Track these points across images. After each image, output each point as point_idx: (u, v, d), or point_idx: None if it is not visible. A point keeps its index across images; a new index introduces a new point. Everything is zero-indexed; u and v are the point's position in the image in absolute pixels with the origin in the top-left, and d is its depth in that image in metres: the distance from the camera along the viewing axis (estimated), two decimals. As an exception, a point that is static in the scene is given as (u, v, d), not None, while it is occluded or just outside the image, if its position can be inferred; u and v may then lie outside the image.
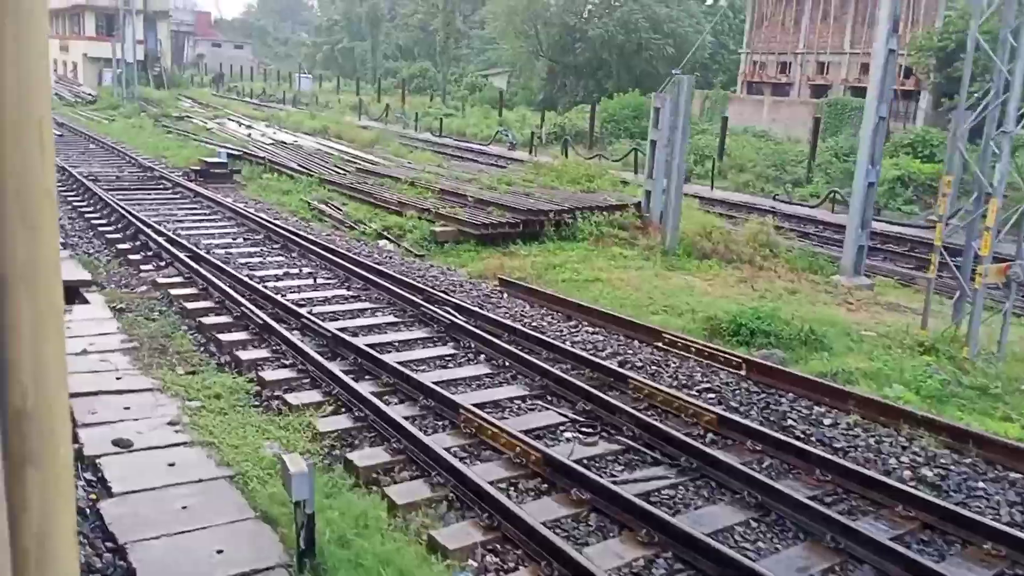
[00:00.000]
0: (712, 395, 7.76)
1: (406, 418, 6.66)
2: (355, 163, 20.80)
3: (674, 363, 8.47)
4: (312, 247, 12.48)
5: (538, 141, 29.83)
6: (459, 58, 63.78)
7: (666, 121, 15.22)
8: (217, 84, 61.55)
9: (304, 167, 19.62)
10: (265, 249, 12.75)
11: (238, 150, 21.61)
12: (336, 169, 19.63)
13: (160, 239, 12.25)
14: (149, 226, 13.12)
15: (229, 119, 31.48)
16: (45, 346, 0.56)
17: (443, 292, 10.55)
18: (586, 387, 7.39)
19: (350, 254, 12.41)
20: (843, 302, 11.49)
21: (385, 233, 14.47)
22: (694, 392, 7.78)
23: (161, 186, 17.89)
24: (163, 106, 37.27)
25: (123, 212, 14.17)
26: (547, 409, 7.24)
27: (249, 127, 28.60)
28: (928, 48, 30.16)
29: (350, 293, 10.60)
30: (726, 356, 8.36)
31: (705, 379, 8.09)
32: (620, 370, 7.94)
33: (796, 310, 10.26)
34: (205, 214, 15.40)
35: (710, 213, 17.07)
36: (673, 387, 7.81)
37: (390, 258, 12.92)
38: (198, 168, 18.83)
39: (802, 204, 20.97)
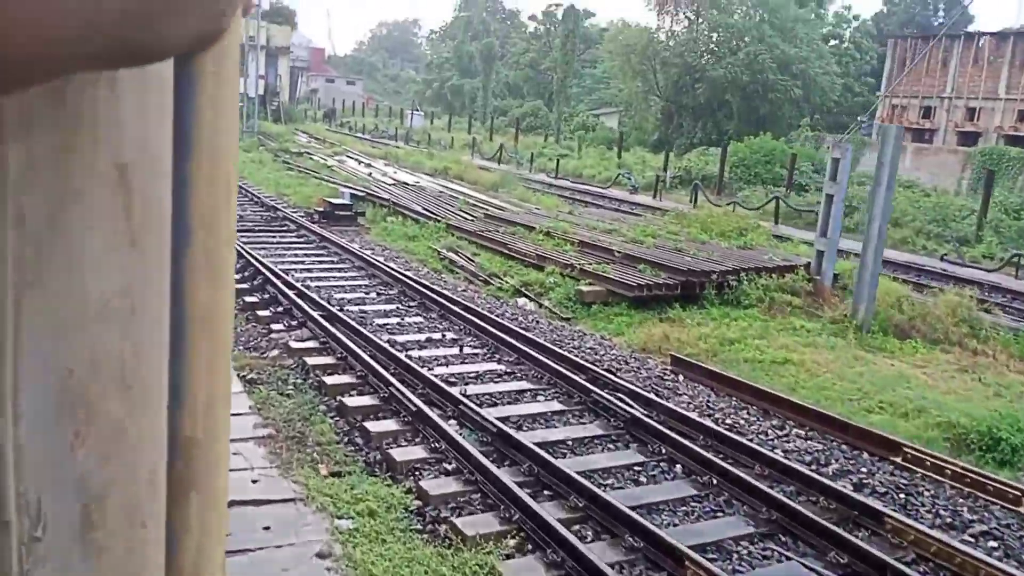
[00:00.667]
0: (993, 542, 5.98)
1: (613, 565, 5.17)
2: (481, 208, 19.70)
3: (927, 491, 6.70)
4: (451, 306, 11.25)
5: (662, 185, 28.20)
6: (570, 97, 63.03)
7: (845, 173, 13.46)
8: (329, 119, 62.55)
9: (429, 211, 18.62)
10: (401, 307, 11.58)
11: (360, 190, 20.85)
12: (462, 215, 18.55)
13: (290, 292, 11.25)
14: (278, 276, 12.18)
15: (348, 155, 31.15)
16: (217, 379, 0.60)
17: (607, 371, 9.08)
18: (830, 527, 5.74)
19: (492, 315, 11.13)
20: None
21: (524, 291, 13.15)
22: (966, 537, 6.01)
23: (285, 227, 17.17)
24: (280, 140, 37.53)
25: (249, 257, 13.33)
26: (787, 558, 5.61)
27: (368, 165, 28.07)
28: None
29: (503, 368, 9.23)
30: (997, 486, 6.54)
31: (976, 517, 6.31)
32: (867, 502, 6.24)
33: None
34: (333, 262, 14.45)
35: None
36: (936, 527, 6.07)
37: (536, 322, 11.55)
38: (322, 209, 18.06)
39: (976, 266, 18.60)
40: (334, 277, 13.24)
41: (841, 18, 60.12)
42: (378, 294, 12.27)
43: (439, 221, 17.68)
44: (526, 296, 12.97)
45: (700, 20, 47.59)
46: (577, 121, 53.46)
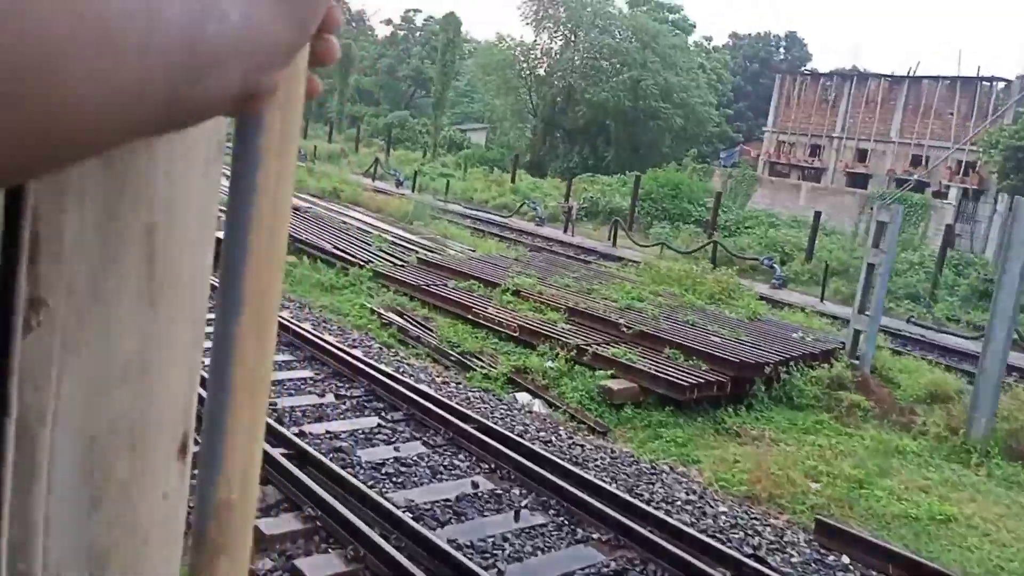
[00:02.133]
0: None
1: None
2: (404, 247, 16.14)
3: None
4: (454, 420, 7.81)
5: (573, 217, 25.60)
6: (426, 108, 59.74)
7: (893, 240, 11.30)
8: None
9: (345, 252, 14.85)
10: (385, 424, 7.90)
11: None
12: (388, 258, 14.92)
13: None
14: None
15: None
16: (254, 445, 0.60)
17: (754, 557, 6.07)
18: None
19: (513, 436, 7.81)
20: None
21: (523, 382, 9.88)
22: None
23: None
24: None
25: None
26: None
27: None
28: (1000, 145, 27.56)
29: (575, 540, 5.98)
30: None
31: None
32: None
33: None
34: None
35: (903, 354, 13.09)
36: None
37: (569, 438, 8.32)
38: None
39: (957, 334, 16.94)
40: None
41: (701, 48, 60.89)
42: (337, 396, 8.54)
43: (361, 266, 13.98)
44: (529, 392, 9.70)
45: (576, 40, 45.95)
46: (444, 135, 50.37)
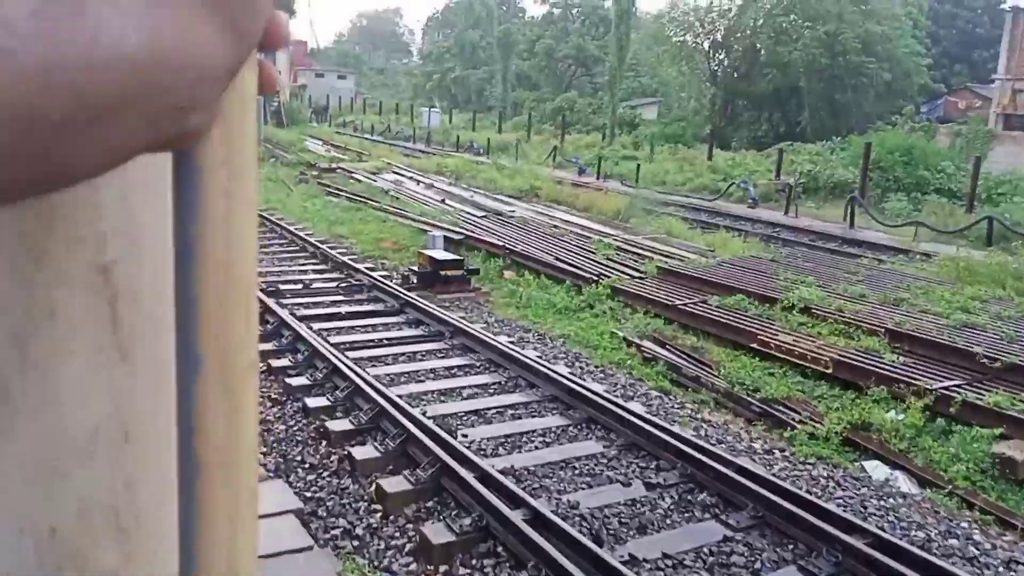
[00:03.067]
0: None
1: None
2: (633, 252, 13.92)
3: None
4: (815, 522, 5.47)
5: (793, 196, 22.37)
6: (597, 88, 57.09)
7: None
8: (319, 117, 56.44)
9: (571, 264, 12.80)
10: (735, 539, 5.68)
11: (454, 231, 14.93)
12: (622, 268, 12.73)
13: (468, 480, 5.43)
14: (396, 406, 6.39)
15: (393, 171, 25.03)
16: (241, 538, 0.49)
17: None
18: None
19: (918, 551, 5.35)
20: None
21: (870, 445, 7.36)
22: None
23: (374, 301, 11.27)
24: (294, 150, 31.44)
25: (337, 363, 7.63)
26: None
27: (429, 185, 22.05)
28: None
29: None
30: None
31: None
32: None
33: None
34: (476, 370, 8.61)
35: None
36: None
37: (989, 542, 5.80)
38: (422, 270, 12.17)
39: None
40: (499, 413, 7.44)
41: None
42: (648, 485, 6.37)
43: (594, 281, 11.86)
44: (881, 459, 7.19)
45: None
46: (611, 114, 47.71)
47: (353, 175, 23.64)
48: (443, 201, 18.88)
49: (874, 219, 19.37)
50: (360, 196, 19.61)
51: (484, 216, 16.83)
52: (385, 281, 11.78)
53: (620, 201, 18.75)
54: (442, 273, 12.00)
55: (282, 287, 11.34)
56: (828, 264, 13.19)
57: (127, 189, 0.48)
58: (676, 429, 7.16)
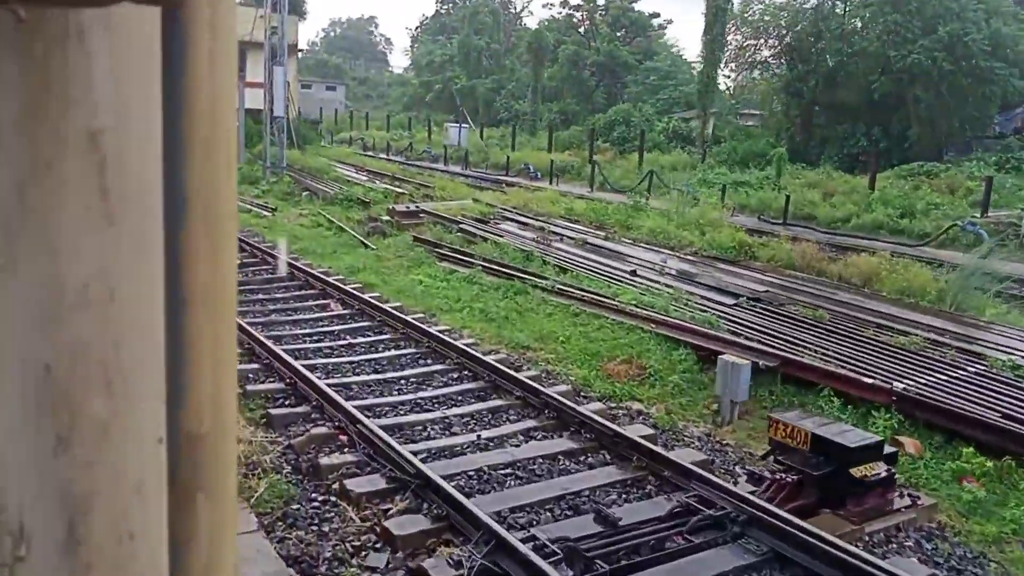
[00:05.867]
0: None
1: None
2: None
3: None
4: None
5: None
6: (626, 98, 51.26)
7: None
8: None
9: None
10: None
11: (761, 350, 8.70)
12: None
13: None
14: None
15: (504, 216, 18.50)
16: (223, 369, 0.54)
17: None
18: None
19: None
20: None
21: None
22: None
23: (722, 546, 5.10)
24: (328, 181, 25.03)
25: None
26: None
27: (583, 242, 15.65)
28: None
29: None
30: None
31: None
32: None
33: None
34: None
35: None
36: None
37: None
38: (798, 461, 5.99)
39: None
40: None
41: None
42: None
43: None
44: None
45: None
46: (661, 127, 41.88)
47: (462, 225, 17.00)
48: (634, 273, 12.69)
49: None
50: (501, 265, 13.23)
51: (735, 304, 10.67)
52: (718, 481, 5.63)
53: (925, 274, 12.62)
54: (852, 473, 5.84)
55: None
56: None
57: (120, 67, 0.50)
58: None
